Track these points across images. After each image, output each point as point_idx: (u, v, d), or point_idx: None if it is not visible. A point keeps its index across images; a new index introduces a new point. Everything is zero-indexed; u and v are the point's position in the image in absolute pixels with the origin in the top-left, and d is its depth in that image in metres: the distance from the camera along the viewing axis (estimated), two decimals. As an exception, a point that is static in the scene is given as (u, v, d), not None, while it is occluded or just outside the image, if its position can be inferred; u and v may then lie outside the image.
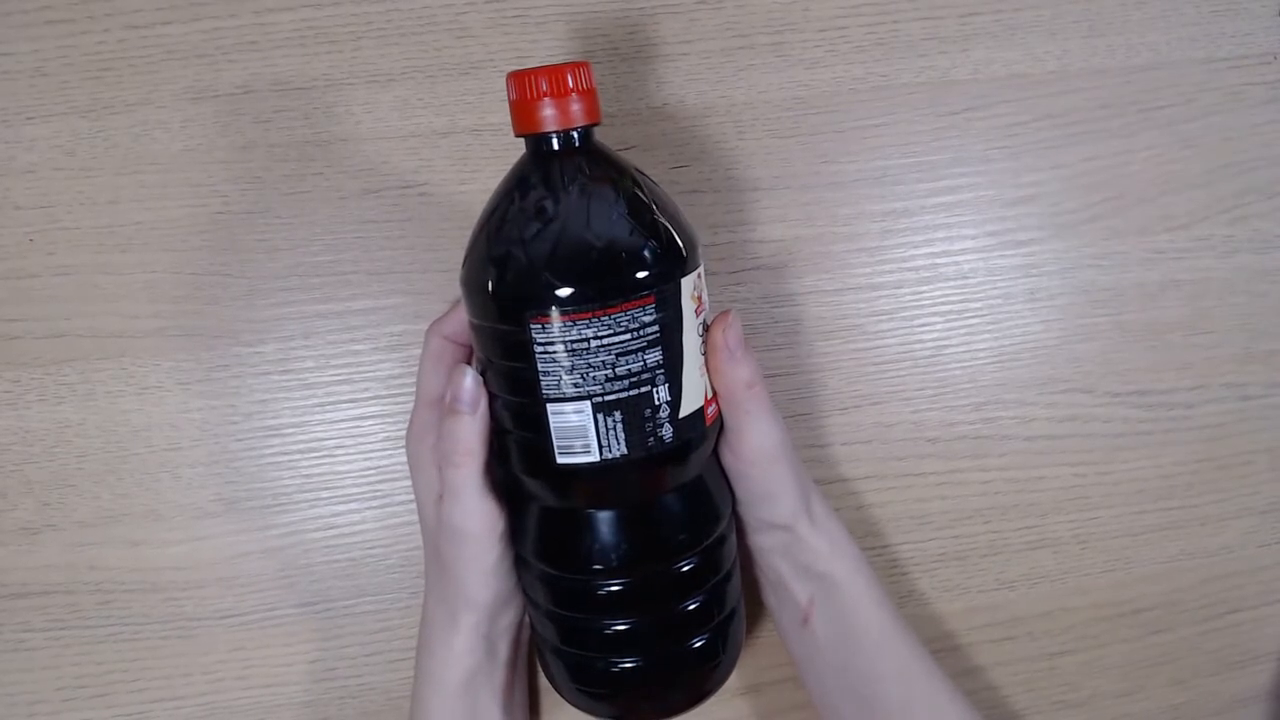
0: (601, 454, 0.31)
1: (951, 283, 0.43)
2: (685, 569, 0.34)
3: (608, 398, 0.31)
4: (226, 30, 0.38)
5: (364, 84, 0.39)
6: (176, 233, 0.39)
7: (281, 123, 0.39)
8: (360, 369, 0.40)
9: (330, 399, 0.40)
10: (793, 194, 0.42)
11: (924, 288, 0.43)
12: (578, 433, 0.31)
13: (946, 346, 0.43)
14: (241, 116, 0.39)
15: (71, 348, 0.39)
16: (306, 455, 0.40)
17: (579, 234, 0.30)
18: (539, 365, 0.30)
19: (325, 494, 0.41)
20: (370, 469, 0.41)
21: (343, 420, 0.40)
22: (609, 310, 0.30)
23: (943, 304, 0.43)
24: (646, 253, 0.31)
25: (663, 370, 0.31)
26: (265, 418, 0.40)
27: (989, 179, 0.43)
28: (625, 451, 0.31)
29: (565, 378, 0.30)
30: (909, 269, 0.43)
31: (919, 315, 0.43)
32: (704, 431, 0.33)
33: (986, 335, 0.43)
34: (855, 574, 0.37)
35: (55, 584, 0.40)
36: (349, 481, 0.41)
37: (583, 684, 0.35)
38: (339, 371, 0.40)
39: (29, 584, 0.40)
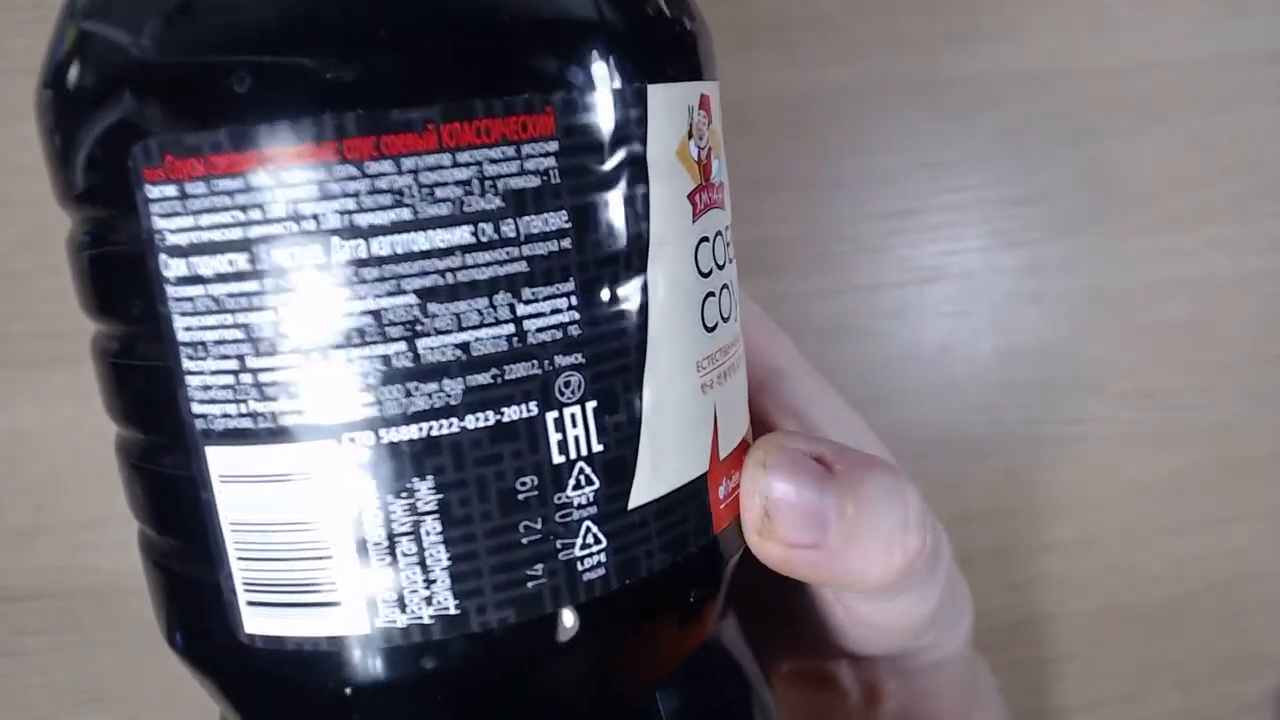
0: (379, 612, 0.12)
1: (956, 282, 0.42)
2: None
3: (405, 432, 0.12)
4: (222, 27, 0.38)
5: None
6: (172, 232, 0.39)
7: (278, 121, 0.39)
8: (358, 370, 0.40)
9: (327, 400, 0.40)
10: (795, 193, 0.41)
11: (928, 287, 0.42)
12: (304, 550, 0.12)
13: (950, 347, 0.43)
14: (238, 115, 0.38)
15: (66, 348, 0.39)
16: (303, 457, 0.40)
17: None
18: (175, 314, 0.12)
19: (322, 496, 0.40)
20: (368, 471, 0.40)
21: (340, 422, 0.40)
22: (408, 138, 0.12)
23: (947, 304, 0.42)
24: None
25: (583, 347, 0.13)
26: (262, 419, 0.40)
27: (993, 178, 0.42)
28: (455, 608, 0.12)
29: (244, 362, 0.12)
30: (913, 269, 0.42)
31: (923, 315, 0.42)
32: (709, 557, 0.15)
33: (991, 335, 0.43)
34: None
35: (49, 587, 0.40)
36: (346, 483, 0.40)
37: None
38: (336, 372, 0.40)
39: (22, 587, 0.40)
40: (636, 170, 0.13)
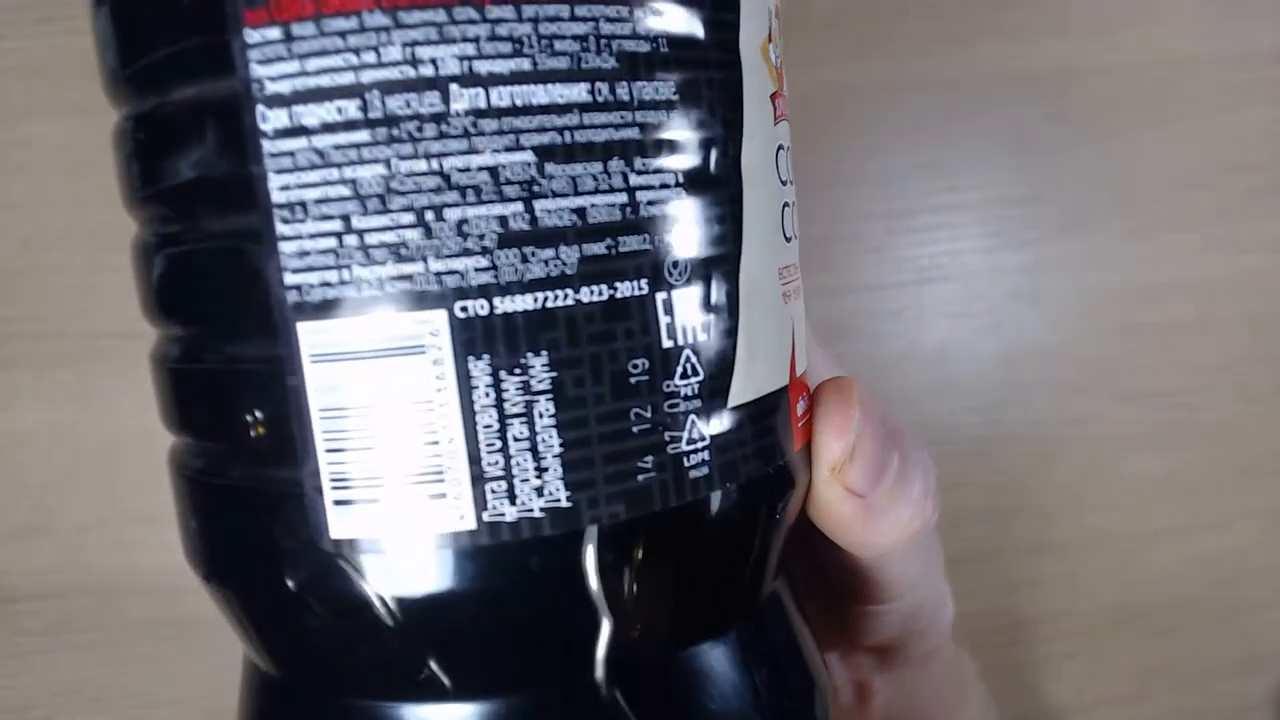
0: (486, 503, 0.11)
1: (955, 283, 0.42)
2: None
3: (521, 301, 0.11)
4: (223, 28, 0.38)
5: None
6: (172, 232, 0.39)
7: (278, 121, 0.39)
8: (358, 370, 0.40)
9: (327, 400, 0.40)
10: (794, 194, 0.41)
11: (927, 288, 0.42)
12: (405, 437, 0.11)
13: (950, 347, 0.43)
14: (238, 115, 0.38)
15: (67, 348, 0.39)
16: (303, 457, 0.40)
17: None
18: (270, 173, 0.11)
19: (322, 496, 0.40)
20: (368, 471, 0.40)
21: (340, 422, 0.40)
22: None
23: (946, 304, 0.42)
24: None
25: (673, 219, 0.12)
26: (262, 419, 0.40)
27: (993, 178, 0.42)
28: (567, 500, 0.11)
29: (349, 222, 0.11)
30: (912, 269, 0.42)
31: (922, 316, 0.42)
32: (788, 476, 0.14)
33: (991, 336, 0.43)
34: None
35: (50, 587, 0.40)
36: (346, 483, 0.40)
37: None
38: (336, 372, 0.40)
39: (22, 587, 0.40)
40: (732, 57, 0.13)
